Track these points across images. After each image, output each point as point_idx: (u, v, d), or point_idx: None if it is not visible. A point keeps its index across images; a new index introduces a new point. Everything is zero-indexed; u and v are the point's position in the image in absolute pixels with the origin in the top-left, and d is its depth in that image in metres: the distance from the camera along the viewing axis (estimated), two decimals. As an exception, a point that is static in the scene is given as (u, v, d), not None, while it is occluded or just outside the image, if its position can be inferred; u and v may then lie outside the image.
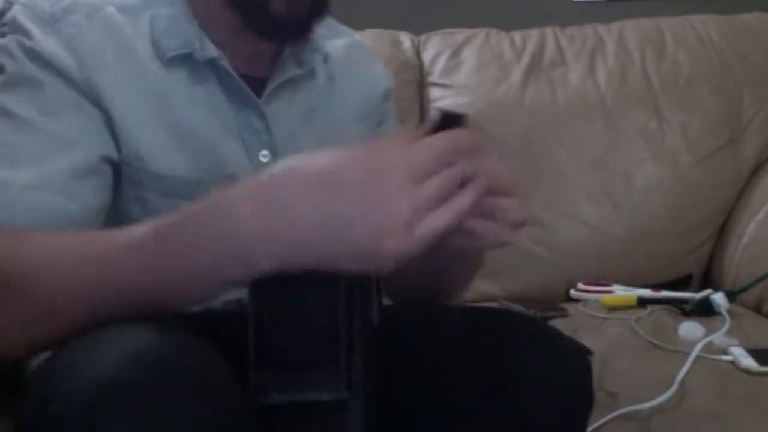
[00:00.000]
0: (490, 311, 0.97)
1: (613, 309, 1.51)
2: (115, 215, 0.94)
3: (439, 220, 0.71)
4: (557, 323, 1.43)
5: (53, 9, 0.93)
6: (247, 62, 0.98)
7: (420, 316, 0.97)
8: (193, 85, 0.95)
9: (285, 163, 0.72)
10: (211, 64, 0.95)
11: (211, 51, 0.94)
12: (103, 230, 0.81)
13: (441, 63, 1.77)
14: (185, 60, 0.95)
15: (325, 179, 0.70)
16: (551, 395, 0.86)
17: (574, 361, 0.90)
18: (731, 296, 1.48)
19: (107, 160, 0.91)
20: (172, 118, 0.94)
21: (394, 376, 0.90)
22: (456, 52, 1.78)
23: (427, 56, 1.79)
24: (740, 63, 1.79)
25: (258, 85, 0.98)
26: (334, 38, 1.09)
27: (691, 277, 1.71)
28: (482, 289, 1.66)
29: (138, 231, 0.74)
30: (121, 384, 0.66)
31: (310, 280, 0.73)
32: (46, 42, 0.90)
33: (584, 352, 0.92)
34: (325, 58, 1.05)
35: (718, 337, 1.32)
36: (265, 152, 0.98)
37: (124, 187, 0.94)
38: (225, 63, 0.95)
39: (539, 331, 0.92)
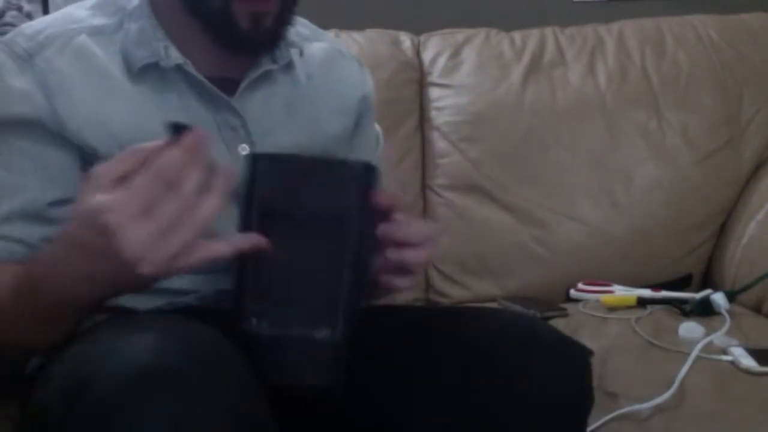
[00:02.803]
0: (489, 311, 0.97)
1: (613, 309, 1.51)
2: None
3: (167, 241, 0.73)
4: (557, 323, 1.43)
5: (28, 45, 0.99)
6: (220, 65, 1.01)
7: (418, 318, 0.97)
8: (163, 91, 0.99)
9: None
10: (179, 70, 0.99)
11: (176, 57, 0.98)
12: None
13: (441, 63, 1.77)
14: (153, 69, 0.99)
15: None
16: (551, 396, 0.86)
17: (575, 361, 0.90)
18: (731, 296, 1.48)
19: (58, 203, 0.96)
20: (146, 126, 0.96)
21: (393, 378, 0.90)
22: (456, 52, 1.77)
23: (427, 56, 1.78)
24: (740, 63, 1.79)
25: (234, 84, 1.02)
26: (315, 41, 1.13)
27: (691, 277, 1.71)
28: (482, 289, 1.66)
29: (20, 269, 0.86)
30: (155, 370, 0.69)
31: (320, 223, 0.80)
32: (20, 80, 0.96)
33: (585, 352, 0.92)
34: (301, 52, 1.08)
35: (718, 337, 1.32)
36: (244, 145, 1.02)
37: None
38: (190, 68, 0.99)
39: (539, 331, 0.92)
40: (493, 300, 1.63)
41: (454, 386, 0.88)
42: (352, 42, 1.73)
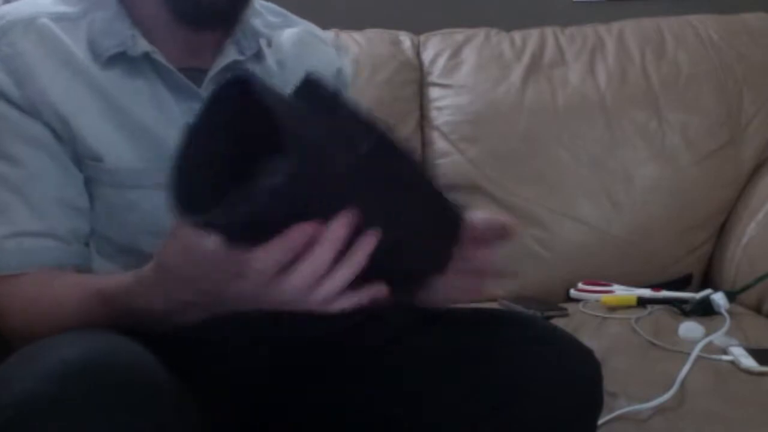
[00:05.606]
0: (498, 314, 0.97)
1: (613, 309, 1.51)
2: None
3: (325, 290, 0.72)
4: (557, 323, 1.43)
5: None
6: (187, 54, 1.00)
7: (426, 321, 0.97)
8: (132, 80, 0.98)
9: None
10: (147, 58, 0.98)
11: (144, 46, 0.97)
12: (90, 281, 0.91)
13: (441, 63, 1.77)
14: (122, 58, 0.97)
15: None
16: (564, 399, 0.86)
17: (586, 363, 0.89)
18: (731, 296, 1.48)
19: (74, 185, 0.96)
20: (118, 114, 0.97)
21: (401, 385, 0.90)
22: (456, 52, 1.77)
23: (427, 56, 1.78)
24: (740, 63, 1.79)
25: (201, 75, 1.00)
26: (287, 27, 1.11)
27: (691, 277, 1.71)
28: (482, 289, 1.66)
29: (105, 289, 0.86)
30: (39, 399, 0.68)
31: None
32: None
33: (595, 355, 0.91)
34: (269, 43, 1.06)
35: (718, 337, 1.32)
36: None
37: (89, 188, 0.97)
38: (159, 56, 0.97)
39: (549, 334, 0.91)
40: (494, 300, 1.62)
41: (464, 388, 0.87)
42: (352, 42, 1.73)
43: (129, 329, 0.80)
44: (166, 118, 0.98)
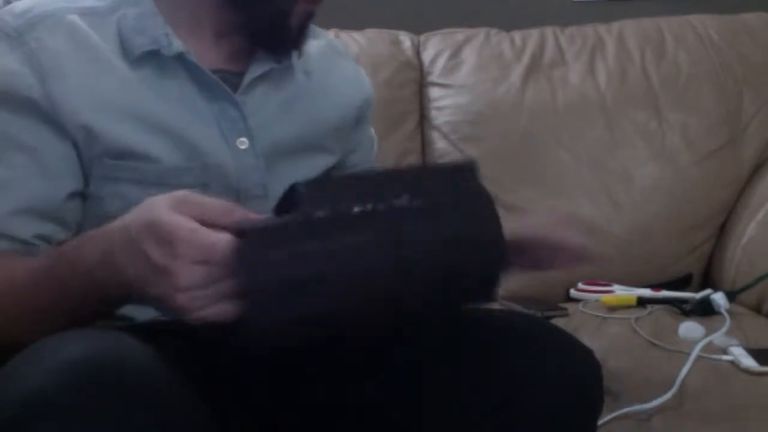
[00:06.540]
0: (498, 314, 0.97)
1: (613, 309, 1.51)
2: (96, 215, 0.96)
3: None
4: (557, 323, 1.43)
5: (17, 23, 0.95)
6: (221, 57, 1.01)
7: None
8: (163, 79, 0.97)
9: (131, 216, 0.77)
10: (179, 58, 0.97)
11: (178, 46, 0.96)
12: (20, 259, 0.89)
13: (441, 63, 1.77)
14: (153, 56, 0.97)
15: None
16: (564, 399, 0.85)
17: (586, 363, 0.89)
18: (731, 296, 1.48)
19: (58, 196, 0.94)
20: (146, 112, 0.96)
21: (401, 385, 0.90)
22: (456, 52, 1.78)
23: (427, 56, 1.79)
24: (740, 63, 1.79)
25: (234, 77, 1.01)
26: (312, 38, 1.12)
27: (691, 277, 1.71)
28: (482, 289, 1.66)
29: (39, 261, 0.85)
30: (41, 398, 0.67)
31: None
32: (9, 59, 0.93)
33: (594, 355, 0.91)
34: (299, 54, 1.07)
35: (718, 337, 1.32)
36: (243, 139, 1.00)
37: (102, 187, 0.96)
38: (192, 57, 0.97)
39: (549, 334, 0.91)
40: (494, 300, 1.62)
41: (464, 388, 0.87)
42: (352, 42, 1.73)
43: (129, 328, 0.80)
44: (196, 117, 0.98)
